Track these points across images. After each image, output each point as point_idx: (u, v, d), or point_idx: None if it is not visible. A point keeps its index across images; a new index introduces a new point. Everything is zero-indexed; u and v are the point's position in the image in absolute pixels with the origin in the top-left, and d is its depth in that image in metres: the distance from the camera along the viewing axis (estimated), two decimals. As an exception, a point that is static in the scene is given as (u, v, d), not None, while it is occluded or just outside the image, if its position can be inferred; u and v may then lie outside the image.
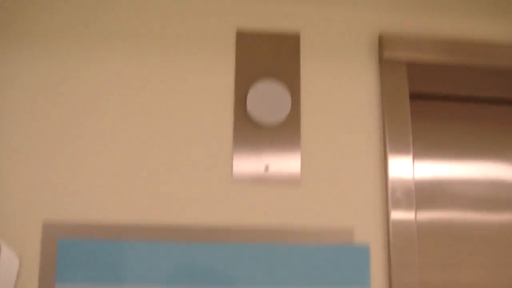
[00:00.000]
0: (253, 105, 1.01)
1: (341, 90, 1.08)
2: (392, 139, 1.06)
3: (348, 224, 1.02)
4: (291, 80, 1.06)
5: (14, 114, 1.00)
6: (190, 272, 0.96)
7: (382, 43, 1.11)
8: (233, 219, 1.00)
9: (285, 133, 1.04)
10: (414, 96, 1.17)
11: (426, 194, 1.19)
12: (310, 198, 1.02)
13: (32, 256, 0.96)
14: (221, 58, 1.07)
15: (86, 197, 0.98)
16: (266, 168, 1.01)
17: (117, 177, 0.99)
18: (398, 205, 1.03)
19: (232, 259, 0.97)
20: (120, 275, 0.95)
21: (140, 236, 0.97)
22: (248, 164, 1.01)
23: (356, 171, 1.04)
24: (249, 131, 1.03)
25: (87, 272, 0.95)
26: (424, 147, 1.21)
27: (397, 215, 1.02)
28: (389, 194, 1.03)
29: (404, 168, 1.05)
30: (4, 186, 0.97)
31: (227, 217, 1.00)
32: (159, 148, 1.01)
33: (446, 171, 1.21)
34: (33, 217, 0.97)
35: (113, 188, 0.99)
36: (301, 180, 1.03)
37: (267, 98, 1.01)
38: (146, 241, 0.96)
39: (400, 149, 1.06)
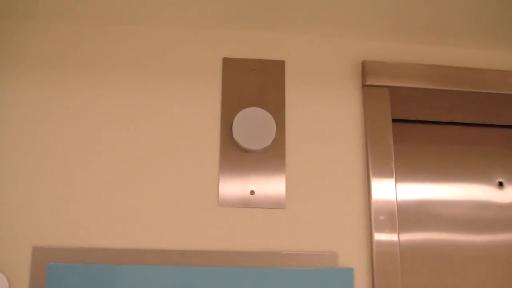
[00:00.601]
0: (238, 132, 1.04)
1: (325, 115, 1.11)
2: (375, 162, 1.09)
3: (332, 248, 1.04)
4: (276, 106, 1.09)
5: (4, 140, 1.02)
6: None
7: (365, 69, 1.14)
8: (220, 243, 1.02)
9: (270, 158, 1.07)
10: (397, 120, 1.20)
11: (409, 216, 1.21)
12: (295, 222, 1.05)
13: (22, 280, 0.97)
14: (208, 86, 1.10)
15: (75, 222, 1.00)
16: (252, 192, 1.04)
17: (106, 203, 1.02)
18: (381, 227, 1.05)
19: (219, 282, 0.98)
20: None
21: (128, 260, 0.98)
22: (234, 189, 1.04)
23: (340, 194, 1.07)
24: (235, 157, 1.06)
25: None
26: (407, 169, 1.24)
27: (380, 237, 1.05)
28: (372, 217, 1.06)
29: (387, 191, 1.08)
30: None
31: (213, 241, 1.02)
32: (147, 174, 1.04)
33: (429, 193, 1.24)
34: (22, 241, 0.99)
35: (102, 214, 1.01)
36: (286, 204, 1.05)
37: (252, 125, 1.04)
38: (134, 264, 0.98)
39: (383, 172, 1.09)
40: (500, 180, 1.29)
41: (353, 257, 1.05)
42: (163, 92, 1.08)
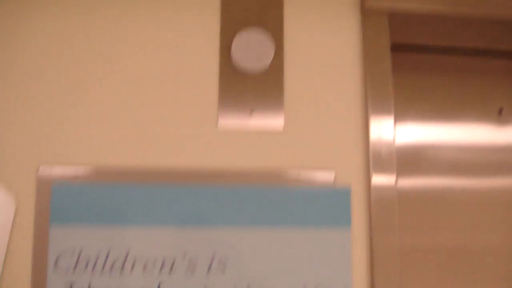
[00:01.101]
0: (237, 53, 1.05)
1: (324, 40, 1.11)
2: (373, 92, 1.09)
3: (330, 168, 1.06)
4: (275, 28, 1.09)
5: (11, 60, 1.03)
6: (177, 213, 1.00)
7: (364, -10, 1.13)
8: (219, 164, 1.04)
9: (269, 80, 1.08)
10: (396, 48, 1.19)
11: (408, 153, 1.22)
12: (293, 143, 1.07)
13: (27, 200, 1.00)
14: (207, 7, 1.09)
15: (79, 141, 1.03)
16: (251, 114, 1.05)
17: (109, 123, 1.04)
18: (378, 148, 1.07)
19: (218, 200, 1.01)
20: (110, 217, 0.99)
21: (130, 179, 1.01)
22: (233, 110, 1.05)
23: (338, 117, 1.08)
24: (234, 79, 1.07)
25: (80, 214, 0.99)
26: (406, 102, 1.23)
27: (377, 157, 1.06)
28: (370, 136, 1.07)
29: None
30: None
31: (213, 161, 1.04)
32: (149, 96, 1.05)
33: (428, 132, 1.23)
34: (28, 161, 1.01)
35: (105, 134, 1.04)
36: (285, 126, 1.07)
37: (251, 46, 1.05)
38: (137, 183, 1.01)
39: (382, 101, 1.09)
40: (501, 107, 1.29)
41: (350, 178, 1.06)
42: (162, 14, 1.08)
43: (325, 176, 1.05)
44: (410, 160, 1.20)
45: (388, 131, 1.08)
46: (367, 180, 1.06)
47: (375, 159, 1.06)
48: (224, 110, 1.05)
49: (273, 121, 1.06)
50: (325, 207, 1.04)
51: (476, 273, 1.19)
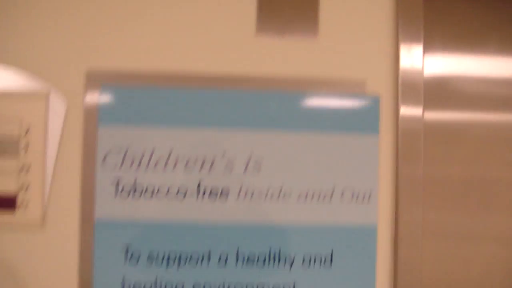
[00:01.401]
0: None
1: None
2: (404, 19, 1.12)
3: (361, 76, 1.12)
4: None
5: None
6: (217, 116, 1.07)
7: None
8: (256, 70, 1.10)
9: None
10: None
11: (435, 84, 1.24)
12: (327, 52, 1.12)
13: (77, 101, 1.07)
14: None
15: (127, 46, 1.09)
16: (287, 21, 1.10)
17: (156, 29, 1.10)
18: (408, 58, 1.11)
19: (255, 105, 1.08)
20: (155, 118, 1.06)
21: (174, 83, 1.07)
22: (270, 18, 1.11)
23: (370, 35, 1.13)
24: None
25: (127, 115, 1.06)
26: (436, 31, 1.22)
27: (406, 67, 1.11)
28: (400, 48, 1.12)
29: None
30: (50, 36, 1.07)
31: (251, 67, 1.10)
32: (193, 3, 1.10)
33: (456, 64, 1.20)
34: (78, 64, 1.07)
35: (152, 39, 1.10)
36: (319, 33, 1.12)
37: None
38: (180, 87, 1.07)
39: (412, 29, 1.12)
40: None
41: (380, 87, 1.12)
42: None
43: (356, 85, 1.10)
44: (437, 91, 1.19)
45: (417, 60, 1.12)
46: (395, 107, 1.12)
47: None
48: (262, 18, 1.11)
49: (308, 29, 1.11)
50: (355, 114, 1.10)
51: (493, 203, 1.20)
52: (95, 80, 1.07)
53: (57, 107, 1.06)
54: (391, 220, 1.10)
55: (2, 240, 1.04)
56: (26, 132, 1.04)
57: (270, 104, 1.08)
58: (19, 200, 1.03)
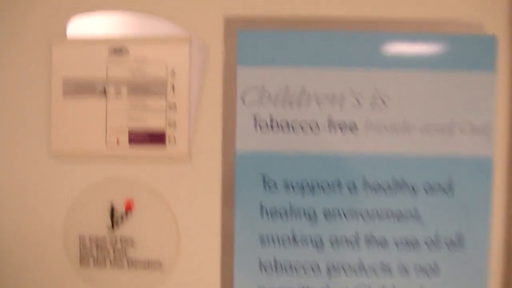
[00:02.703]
0: None
1: None
2: None
3: (478, 16, 1.17)
4: None
5: None
6: (344, 56, 1.15)
7: None
8: (379, 13, 1.17)
9: None
10: None
11: None
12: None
13: (217, 45, 1.16)
14: None
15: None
16: None
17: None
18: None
19: (378, 45, 1.15)
20: (288, 59, 1.15)
21: (305, 27, 1.16)
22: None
23: None
24: None
25: (262, 56, 1.15)
26: None
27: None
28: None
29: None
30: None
31: (374, 10, 1.17)
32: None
33: None
34: (216, 11, 1.16)
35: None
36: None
37: None
38: (310, 30, 1.15)
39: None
40: None
41: (496, 28, 1.17)
42: None
43: (472, 25, 1.16)
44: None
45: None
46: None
47: None
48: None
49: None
50: (472, 53, 1.16)
51: None
52: (232, 25, 1.16)
53: (199, 51, 1.16)
54: (507, 152, 1.17)
55: (155, 170, 1.17)
56: (172, 75, 1.15)
57: (392, 44, 1.15)
58: (168, 135, 1.15)
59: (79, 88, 1.14)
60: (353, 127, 1.15)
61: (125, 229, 1.15)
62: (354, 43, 1.15)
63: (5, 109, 1.18)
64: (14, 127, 1.18)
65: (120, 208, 1.15)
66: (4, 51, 1.19)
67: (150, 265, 1.17)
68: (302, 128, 1.15)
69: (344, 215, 1.15)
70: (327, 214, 1.15)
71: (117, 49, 1.15)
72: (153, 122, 1.13)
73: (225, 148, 1.15)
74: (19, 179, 1.18)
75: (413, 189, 1.16)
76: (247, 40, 1.14)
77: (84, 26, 1.16)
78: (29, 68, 1.18)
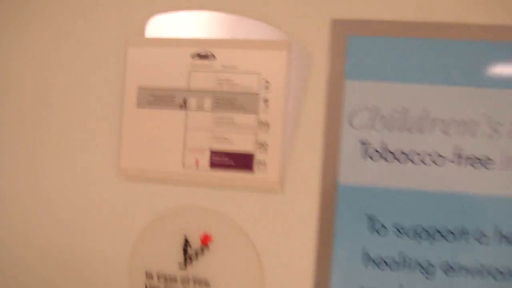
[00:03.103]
0: None
1: None
2: None
3: None
4: None
5: None
6: (477, 73, 0.92)
7: None
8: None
9: None
10: None
11: None
12: None
13: (321, 53, 0.97)
14: None
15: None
16: None
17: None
18: None
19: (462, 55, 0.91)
20: (407, 73, 0.94)
21: (427, 33, 0.94)
22: None
23: None
24: None
25: (375, 69, 0.94)
26: None
27: None
28: None
29: None
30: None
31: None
32: None
33: None
34: (322, 14, 0.97)
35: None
36: None
37: None
38: (430, 40, 0.93)
39: None
40: None
41: None
42: None
43: None
44: None
45: None
46: None
47: None
48: None
49: None
50: None
51: None
52: (341, 30, 0.95)
53: (299, 60, 0.96)
54: None
55: (239, 200, 0.98)
56: (266, 87, 0.95)
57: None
58: (257, 160, 0.95)
59: (155, 99, 0.98)
60: (486, 162, 0.92)
61: (199, 268, 0.97)
62: (492, 55, 0.92)
63: (72, 119, 1.03)
64: (80, 141, 1.03)
65: (195, 243, 0.97)
66: (74, 53, 1.03)
67: (226, 312, 0.98)
68: (422, 160, 0.92)
69: (470, 272, 0.92)
70: (447, 270, 0.92)
71: (202, 54, 0.99)
72: (240, 143, 0.97)
73: (325, 178, 0.96)
74: (82, 202, 1.02)
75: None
76: (358, 48, 0.93)
77: (164, 26, 0.99)
78: (100, 72, 1.03)
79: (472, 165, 0.93)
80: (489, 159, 0.93)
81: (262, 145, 0.96)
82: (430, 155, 0.94)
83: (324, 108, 0.96)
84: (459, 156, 0.93)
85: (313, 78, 0.97)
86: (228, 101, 0.98)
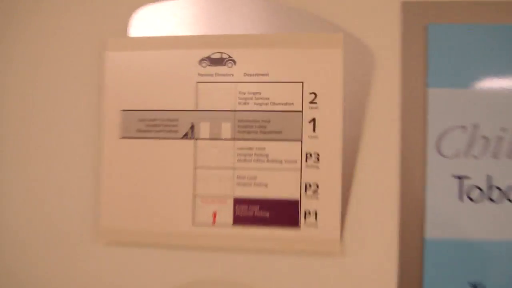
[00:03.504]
0: None
1: None
2: None
3: None
4: None
5: None
6: None
7: None
8: None
9: None
10: None
11: None
12: None
13: (389, 52, 0.67)
14: None
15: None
16: None
17: None
18: None
19: None
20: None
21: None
22: None
23: None
24: None
25: (473, 70, 0.65)
26: None
27: None
28: None
29: None
30: None
31: None
32: None
33: None
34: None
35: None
36: None
37: None
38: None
39: None
40: None
41: None
42: None
43: None
44: None
45: None
46: None
47: None
48: None
49: None
50: None
51: None
52: (416, 17, 0.66)
53: (358, 62, 0.66)
54: None
55: (280, 266, 0.68)
56: (312, 103, 0.65)
57: None
58: (304, 209, 0.67)
59: (147, 126, 0.73)
60: None
61: None
62: None
63: (36, 157, 0.72)
64: (47, 192, 0.71)
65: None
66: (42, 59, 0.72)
67: None
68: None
69: None
70: None
71: (215, 58, 0.70)
72: (277, 186, 0.68)
73: (405, 231, 0.69)
74: (54, 271, 0.71)
75: None
76: (443, 41, 0.64)
77: (157, 20, 0.71)
78: (67, 89, 0.70)
79: None
80: None
81: (312, 189, 0.66)
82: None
83: (399, 130, 0.66)
84: None
85: (380, 86, 0.67)
86: (257, 125, 0.68)
